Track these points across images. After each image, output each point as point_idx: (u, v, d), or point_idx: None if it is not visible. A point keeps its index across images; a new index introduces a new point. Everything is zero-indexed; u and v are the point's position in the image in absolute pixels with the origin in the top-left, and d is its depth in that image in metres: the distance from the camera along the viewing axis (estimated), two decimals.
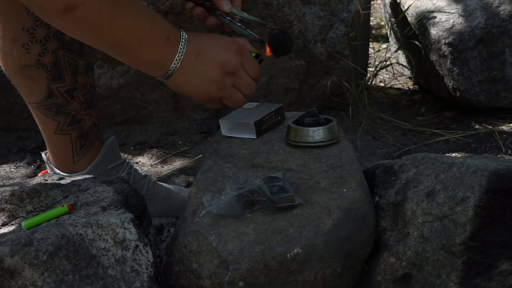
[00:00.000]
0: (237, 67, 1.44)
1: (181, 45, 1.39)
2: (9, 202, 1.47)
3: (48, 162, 1.73)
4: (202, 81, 1.43)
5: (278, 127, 1.59)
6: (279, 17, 2.27)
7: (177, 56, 1.39)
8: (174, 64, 1.39)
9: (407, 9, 2.45)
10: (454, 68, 2.31)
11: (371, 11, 2.98)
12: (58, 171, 1.71)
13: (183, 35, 1.40)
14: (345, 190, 1.40)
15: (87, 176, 1.61)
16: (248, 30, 1.55)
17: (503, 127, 2.30)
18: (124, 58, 1.42)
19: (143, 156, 2.27)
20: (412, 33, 2.45)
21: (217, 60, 1.42)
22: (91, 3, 1.28)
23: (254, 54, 1.51)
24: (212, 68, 1.42)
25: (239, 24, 1.55)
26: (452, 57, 2.30)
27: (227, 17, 1.54)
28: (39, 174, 1.73)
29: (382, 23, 3.33)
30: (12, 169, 2.23)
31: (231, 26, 1.55)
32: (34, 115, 1.68)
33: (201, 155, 2.20)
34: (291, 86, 2.36)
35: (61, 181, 1.58)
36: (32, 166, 2.24)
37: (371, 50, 2.84)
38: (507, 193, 1.36)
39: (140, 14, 1.36)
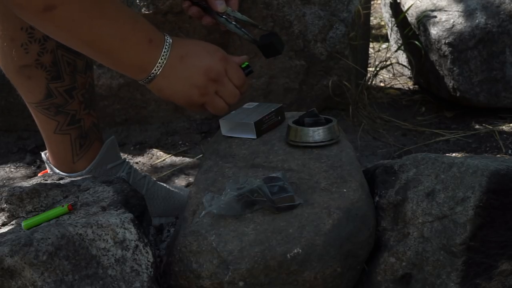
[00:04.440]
0: (221, 74, 1.43)
1: (165, 48, 1.38)
2: (9, 202, 1.47)
3: (48, 162, 1.73)
4: (185, 86, 1.42)
5: (278, 127, 1.59)
6: (279, 17, 2.27)
7: (160, 59, 1.38)
8: (157, 67, 1.38)
9: (407, 9, 2.45)
10: (454, 68, 2.31)
11: (371, 11, 2.98)
12: (58, 171, 1.71)
13: (167, 39, 1.39)
14: (345, 190, 1.40)
15: (87, 176, 1.61)
16: (242, 29, 1.55)
17: (503, 127, 2.30)
18: (105, 61, 1.41)
19: (143, 156, 2.27)
20: (412, 33, 2.45)
21: (201, 66, 1.41)
22: (70, 3, 1.27)
23: (246, 64, 1.50)
24: (196, 73, 1.41)
25: (234, 23, 1.55)
26: (452, 57, 2.30)
27: (223, 16, 1.54)
28: (39, 174, 1.73)
29: (382, 23, 3.33)
30: (12, 169, 2.23)
31: (226, 25, 1.55)
32: (33, 115, 1.68)
33: (201, 155, 2.20)
34: (291, 86, 2.36)
35: (61, 181, 1.58)
36: (32, 166, 2.24)
37: (371, 50, 2.84)
38: (507, 193, 1.36)
39: (122, 16, 1.35)
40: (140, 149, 2.31)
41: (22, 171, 2.22)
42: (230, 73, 1.45)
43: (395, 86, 2.68)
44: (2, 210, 1.47)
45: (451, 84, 2.34)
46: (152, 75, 1.39)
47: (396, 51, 2.69)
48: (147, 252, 1.36)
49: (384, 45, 3.00)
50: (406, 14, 2.46)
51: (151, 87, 1.42)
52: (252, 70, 1.52)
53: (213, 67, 1.42)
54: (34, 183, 1.55)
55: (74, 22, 1.29)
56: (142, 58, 1.38)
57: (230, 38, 2.30)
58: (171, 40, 1.40)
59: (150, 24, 1.40)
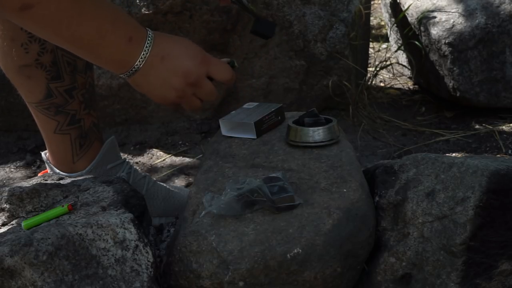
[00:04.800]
0: (200, 78, 1.43)
1: (146, 45, 1.38)
2: (9, 202, 1.47)
3: (48, 161, 1.73)
4: (163, 86, 1.42)
5: (278, 127, 1.59)
6: (279, 17, 2.27)
7: (140, 57, 1.38)
8: (137, 64, 1.38)
9: (407, 9, 2.45)
10: (454, 68, 2.31)
11: (371, 11, 2.99)
12: (58, 170, 1.71)
13: (149, 36, 1.39)
14: (345, 190, 1.40)
15: (87, 176, 1.61)
16: (250, 10, 1.57)
17: (503, 127, 2.30)
18: (86, 56, 1.41)
19: (143, 156, 2.27)
20: (412, 33, 2.45)
21: (181, 69, 1.41)
22: (47, 2, 1.27)
23: (230, 60, 1.52)
24: (175, 75, 1.41)
25: (243, 4, 1.56)
26: (452, 57, 2.30)
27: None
28: (39, 174, 1.73)
29: (382, 23, 3.33)
30: (12, 169, 2.23)
31: (239, 5, 1.57)
32: (33, 115, 1.68)
33: (201, 155, 2.20)
34: (291, 86, 2.36)
35: (61, 181, 1.58)
36: (32, 166, 2.24)
37: (371, 50, 2.84)
38: (507, 193, 1.36)
39: (101, 13, 1.34)
40: (140, 149, 2.31)
41: (22, 171, 2.22)
42: (215, 71, 1.45)
43: (395, 86, 2.68)
44: (2, 210, 1.47)
45: (451, 84, 2.34)
46: (131, 71, 1.39)
47: (396, 51, 2.69)
48: (147, 252, 1.36)
49: (384, 45, 3.00)
50: (406, 14, 2.46)
51: (130, 81, 1.43)
52: (235, 64, 1.53)
53: (193, 71, 1.42)
54: (34, 183, 1.54)
55: (52, 20, 1.29)
56: (121, 55, 1.38)
57: (230, 38, 2.30)
58: (153, 36, 1.40)
59: (132, 20, 1.40)
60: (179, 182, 2.10)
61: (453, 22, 2.31)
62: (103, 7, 1.35)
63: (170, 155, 2.26)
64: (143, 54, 1.38)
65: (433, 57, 2.37)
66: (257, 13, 1.59)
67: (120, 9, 1.41)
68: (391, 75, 2.75)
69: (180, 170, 2.17)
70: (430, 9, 2.38)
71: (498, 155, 2.14)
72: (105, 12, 1.35)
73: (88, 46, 1.35)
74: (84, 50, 1.37)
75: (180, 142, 2.32)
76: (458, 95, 2.34)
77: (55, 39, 1.37)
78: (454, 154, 2.16)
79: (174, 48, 1.42)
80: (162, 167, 2.20)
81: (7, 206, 1.47)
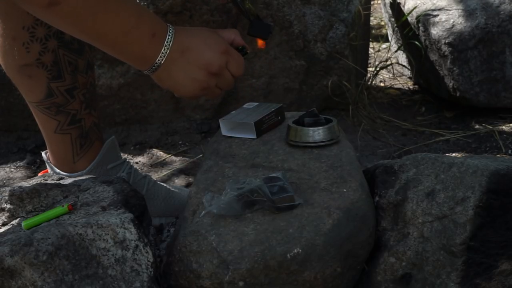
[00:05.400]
0: (222, 68, 1.45)
1: (167, 41, 1.40)
2: (9, 202, 1.47)
3: (48, 161, 1.73)
4: (186, 80, 1.43)
5: (278, 127, 1.59)
6: (279, 17, 2.27)
7: (162, 52, 1.40)
8: (159, 60, 1.40)
9: (410, 12, 2.45)
10: (454, 68, 2.31)
11: (371, 11, 2.99)
12: (58, 170, 1.71)
13: (170, 31, 1.40)
14: (345, 190, 1.40)
15: (87, 176, 1.61)
16: (244, 12, 1.57)
17: (503, 127, 2.30)
18: (110, 51, 1.42)
19: (143, 156, 2.27)
20: (412, 33, 2.45)
21: (202, 61, 1.43)
22: None
23: (241, 47, 1.52)
24: (197, 67, 1.43)
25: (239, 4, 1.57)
26: (452, 57, 2.30)
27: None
28: (39, 174, 1.73)
29: (382, 23, 3.34)
30: (12, 169, 2.23)
31: (234, 5, 1.57)
32: (34, 115, 1.68)
33: (201, 155, 2.20)
34: (291, 86, 2.36)
35: (61, 181, 1.58)
36: (32, 166, 2.24)
37: (371, 50, 2.84)
38: (507, 193, 1.36)
39: (126, 10, 1.36)
40: (140, 149, 2.31)
41: (22, 171, 2.22)
42: (230, 64, 1.46)
43: (395, 86, 2.68)
44: (2, 210, 1.47)
45: (451, 84, 2.34)
46: (155, 65, 1.41)
47: (396, 51, 2.69)
48: (147, 252, 1.36)
49: (384, 45, 3.00)
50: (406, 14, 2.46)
51: (153, 77, 1.44)
52: (247, 51, 1.53)
53: (214, 62, 1.43)
54: (34, 183, 1.55)
55: (78, 17, 1.31)
56: (145, 51, 1.39)
57: None
58: (174, 32, 1.41)
59: (154, 16, 1.41)
60: (179, 182, 2.10)
61: (453, 22, 2.31)
62: (128, 3, 1.37)
63: (170, 155, 2.26)
64: (164, 50, 1.39)
65: (433, 57, 2.37)
66: (255, 13, 1.58)
67: (142, 5, 1.43)
68: (391, 75, 2.75)
69: (180, 170, 2.17)
70: (430, 9, 2.38)
71: (498, 155, 2.14)
72: (130, 8, 1.37)
73: (113, 42, 1.37)
74: (108, 46, 1.39)
75: (180, 142, 2.32)
76: (458, 95, 2.34)
77: (81, 35, 1.39)
78: (454, 154, 2.16)
79: (194, 41, 1.43)
80: (162, 167, 2.20)
81: (7, 206, 1.47)
